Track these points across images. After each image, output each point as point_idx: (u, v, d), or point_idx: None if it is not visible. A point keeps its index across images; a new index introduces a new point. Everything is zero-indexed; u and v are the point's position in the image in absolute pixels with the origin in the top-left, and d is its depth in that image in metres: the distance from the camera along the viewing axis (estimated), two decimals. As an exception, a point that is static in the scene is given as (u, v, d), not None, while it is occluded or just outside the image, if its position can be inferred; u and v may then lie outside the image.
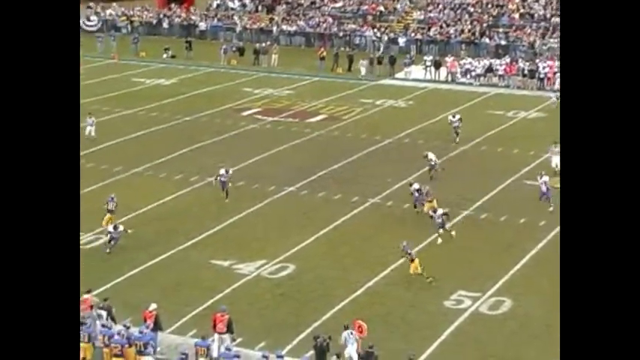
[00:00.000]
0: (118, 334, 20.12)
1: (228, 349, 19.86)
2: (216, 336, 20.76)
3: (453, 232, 28.03)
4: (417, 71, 54.06)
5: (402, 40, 60.77)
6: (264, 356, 19.44)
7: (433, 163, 33.59)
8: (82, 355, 20.51)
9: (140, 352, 19.85)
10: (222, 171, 31.20)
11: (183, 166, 35.52)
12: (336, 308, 23.50)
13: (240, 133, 40.95)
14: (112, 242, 26.85)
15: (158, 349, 20.70)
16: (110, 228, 26.88)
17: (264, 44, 59.65)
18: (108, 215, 28.61)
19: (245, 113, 44.68)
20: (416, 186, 30.39)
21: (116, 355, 19.80)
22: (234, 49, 59.42)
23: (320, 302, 23.88)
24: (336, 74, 55.02)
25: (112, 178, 34.12)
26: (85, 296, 22.03)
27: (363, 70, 54.11)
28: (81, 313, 21.46)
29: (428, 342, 21.69)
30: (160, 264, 26.37)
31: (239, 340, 21.32)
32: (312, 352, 20.25)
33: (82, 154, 36.52)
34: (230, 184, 31.33)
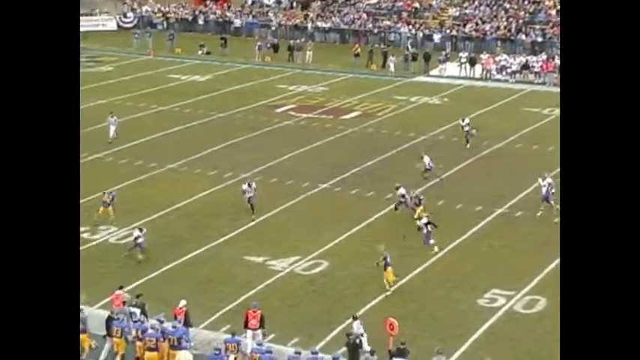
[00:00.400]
0: (152, 327, 20.26)
1: (259, 344, 19.91)
2: (249, 332, 20.80)
3: (436, 248, 26.77)
4: (451, 68, 53.82)
5: (437, 37, 60.50)
6: (296, 352, 19.47)
7: (428, 167, 32.91)
8: (114, 350, 20.70)
9: (173, 347, 19.94)
10: (245, 186, 29.62)
11: (218, 162, 35.67)
12: (368, 305, 23.46)
13: (274, 130, 41.02)
14: (137, 247, 26.07)
15: (192, 344, 20.77)
16: (136, 232, 26.24)
17: (298, 41, 59.71)
18: (102, 208, 28.68)
19: (279, 110, 44.76)
20: (402, 191, 29.56)
21: (150, 349, 19.89)
22: (268, 45, 59.54)
23: (353, 299, 23.85)
24: (371, 71, 54.92)
25: (146, 173, 34.36)
26: (117, 292, 22.23)
27: (392, 67, 54.01)
28: (113, 309, 21.68)
29: (461, 340, 21.58)
30: (194, 260, 26.49)
31: (271, 336, 21.36)
32: (344, 349, 20.24)
33: (116, 150, 37.00)
34: (254, 193, 29.54)
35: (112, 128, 38.11)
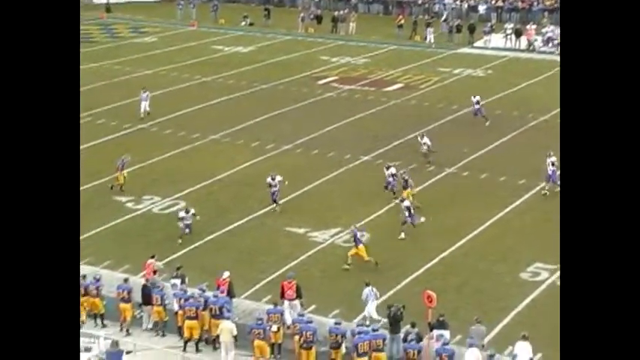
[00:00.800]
0: (192, 297, 20.44)
1: (300, 314, 20.01)
2: (286, 303, 20.91)
3: (423, 218, 26.18)
4: (497, 40, 53.17)
5: (482, 8, 59.81)
6: (336, 323, 19.54)
7: (426, 148, 31.88)
8: (154, 318, 20.93)
9: (215, 316, 20.08)
10: (269, 179, 27.80)
11: (260, 133, 35.73)
12: (410, 278, 23.45)
13: (316, 102, 40.95)
14: (187, 230, 25.66)
15: (233, 314, 20.85)
16: (182, 213, 25.86)
17: (342, 12, 59.40)
18: (118, 173, 29.10)
19: (322, 81, 44.64)
20: (392, 170, 28.76)
21: (190, 318, 20.06)
22: (312, 16, 59.35)
23: (394, 271, 23.84)
24: (414, 42, 54.49)
25: (190, 144, 34.54)
26: (149, 261, 22.50)
27: (431, 38, 53.49)
28: (147, 278, 21.95)
29: (503, 313, 21.48)
30: (236, 230, 26.62)
31: (312, 307, 21.45)
32: (385, 320, 20.26)
33: (160, 120, 37.21)
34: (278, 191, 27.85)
35: (144, 104, 37.37)
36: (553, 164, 28.81)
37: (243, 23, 59.37)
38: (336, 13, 59.10)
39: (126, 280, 21.50)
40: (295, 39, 55.66)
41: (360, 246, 24.03)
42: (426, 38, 54.27)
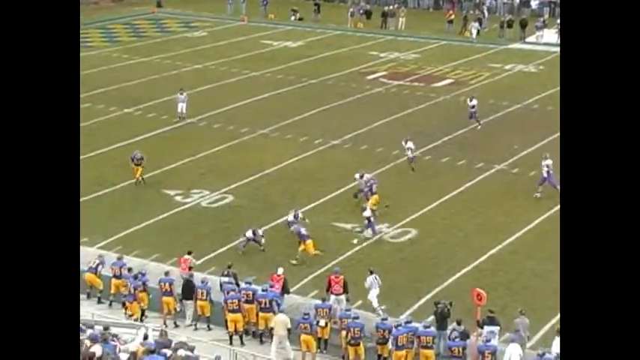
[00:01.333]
0: (233, 290, 20.47)
1: (347, 310, 19.97)
2: (332, 297, 20.91)
3: (355, 241, 25.24)
4: (549, 35, 52.51)
5: (534, 3, 59.14)
6: (383, 319, 19.49)
7: (411, 155, 30.85)
8: (199, 313, 21.01)
9: (263, 309, 20.12)
10: (291, 217, 25.69)
11: (308, 128, 35.74)
12: (457, 275, 23.28)
13: (365, 97, 40.83)
14: (257, 244, 24.81)
15: (283, 308, 20.81)
16: (249, 233, 24.85)
17: (391, 7, 59.19)
18: (135, 168, 29.47)
19: (370, 77, 44.51)
20: (367, 177, 27.74)
21: (231, 311, 20.09)
22: (361, 11, 59.22)
23: (441, 268, 23.70)
24: (465, 38, 54.07)
25: (238, 139, 34.68)
26: (186, 257, 22.58)
27: (474, 33, 52.97)
28: (183, 273, 22.02)
29: (551, 312, 21.19)
30: (283, 225, 26.61)
31: (359, 302, 21.41)
32: (432, 317, 20.15)
33: (209, 114, 37.38)
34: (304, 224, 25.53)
35: (181, 105, 36.47)
36: (548, 167, 27.78)
37: (293, 18, 59.44)
38: (385, 8, 58.90)
39: (167, 273, 21.63)
40: (344, 34, 55.59)
41: (308, 241, 23.94)
42: (479, 32, 53.79)
